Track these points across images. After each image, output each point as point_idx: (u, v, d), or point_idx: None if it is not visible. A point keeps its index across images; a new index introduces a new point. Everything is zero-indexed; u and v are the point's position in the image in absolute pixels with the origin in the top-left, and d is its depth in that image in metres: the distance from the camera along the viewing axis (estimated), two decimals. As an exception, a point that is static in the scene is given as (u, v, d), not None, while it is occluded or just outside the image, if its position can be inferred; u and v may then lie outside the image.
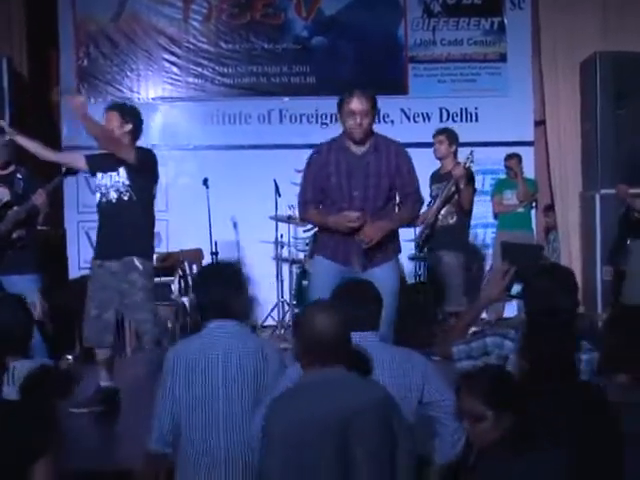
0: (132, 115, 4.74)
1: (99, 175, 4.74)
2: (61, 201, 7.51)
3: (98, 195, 4.77)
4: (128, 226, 4.64)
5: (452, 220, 5.68)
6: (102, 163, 4.73)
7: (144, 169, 4.68)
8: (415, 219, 4.45)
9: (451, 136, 5.92)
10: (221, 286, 3.02)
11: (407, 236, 5.80)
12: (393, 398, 2.55)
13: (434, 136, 5.99)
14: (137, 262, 4.60)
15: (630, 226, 6.00)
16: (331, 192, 4.11)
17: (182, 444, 2.93)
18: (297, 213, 4.45)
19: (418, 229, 5.86)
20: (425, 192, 5.72)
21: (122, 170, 4.64)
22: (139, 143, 4.81)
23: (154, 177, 4.83)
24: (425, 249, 5.84)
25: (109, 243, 4.72)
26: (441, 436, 2.94)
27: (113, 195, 4.68)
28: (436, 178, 5.94)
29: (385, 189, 4.08)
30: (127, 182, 4.63)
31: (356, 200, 4.05)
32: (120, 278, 4.63)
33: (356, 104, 4.02)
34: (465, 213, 5.65)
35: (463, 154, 5.90)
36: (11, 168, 5.17)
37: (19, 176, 5.18)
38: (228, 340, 2.94)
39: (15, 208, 5.03)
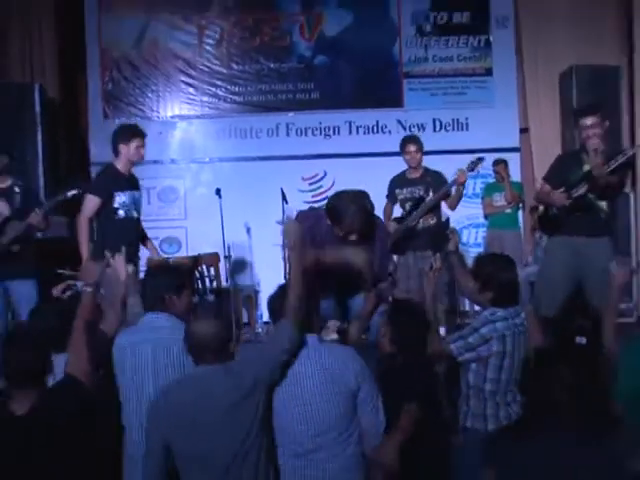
0: None
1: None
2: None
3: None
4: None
5: (433, 221, 5.92)
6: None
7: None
8: None
9: (421, 144, 6.15)
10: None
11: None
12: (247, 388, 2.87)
13: (405, 145, 6.11)
14: None
15: None
16: None
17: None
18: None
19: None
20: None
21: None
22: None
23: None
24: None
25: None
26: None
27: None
28: (405, 182, 6.10)
29: None
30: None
31: None
32: None
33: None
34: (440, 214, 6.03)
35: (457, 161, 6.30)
36: (8, 182, 5.20)
37: (17, 190, 5.22)
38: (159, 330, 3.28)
39: (13, 222, 5.06)
